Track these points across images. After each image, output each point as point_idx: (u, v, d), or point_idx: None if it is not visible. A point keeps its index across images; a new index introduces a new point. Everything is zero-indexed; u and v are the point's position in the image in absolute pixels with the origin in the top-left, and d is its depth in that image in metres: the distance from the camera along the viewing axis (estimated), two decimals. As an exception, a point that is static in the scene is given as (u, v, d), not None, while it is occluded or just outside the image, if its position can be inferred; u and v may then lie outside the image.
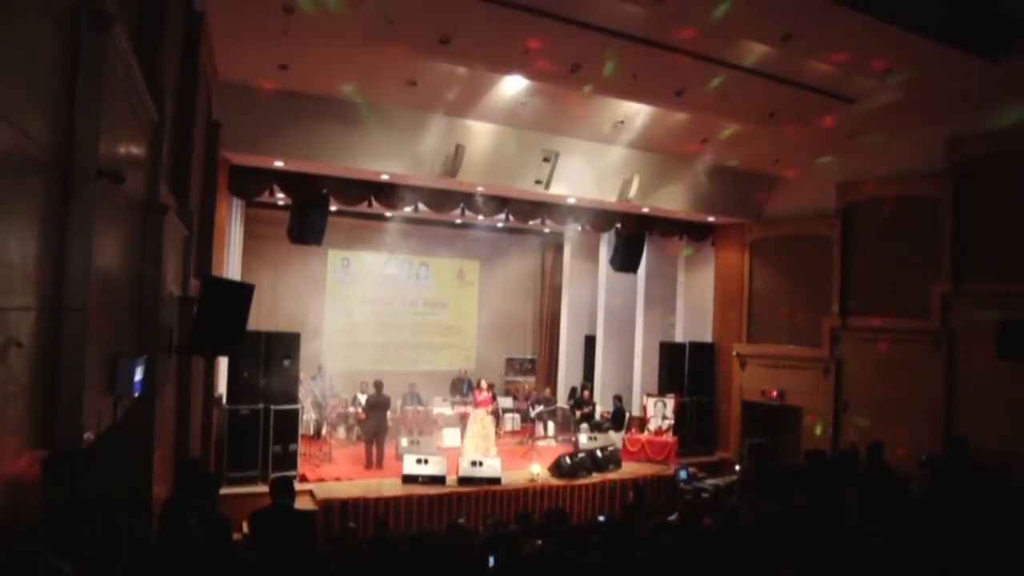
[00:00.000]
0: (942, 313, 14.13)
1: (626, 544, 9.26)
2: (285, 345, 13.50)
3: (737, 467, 16.15)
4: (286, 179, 13.84)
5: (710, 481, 15.82)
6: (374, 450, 14.99)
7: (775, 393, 17.17)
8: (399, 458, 14.40)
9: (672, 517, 11.10)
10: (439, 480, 13.45)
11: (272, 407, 13.15)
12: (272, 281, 15.99)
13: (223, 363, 12.89)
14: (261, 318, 13.18)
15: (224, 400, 13.01)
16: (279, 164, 13.21)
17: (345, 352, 19.15)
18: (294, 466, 13.16)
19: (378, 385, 15.51)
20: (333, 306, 19.45)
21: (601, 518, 12.53)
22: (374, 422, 15.12)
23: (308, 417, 15.75)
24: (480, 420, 15.92)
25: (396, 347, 20.16)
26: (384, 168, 13.52)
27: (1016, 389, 12.81)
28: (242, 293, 8.49)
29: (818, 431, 16.09)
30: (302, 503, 10.92)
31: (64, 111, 3.35)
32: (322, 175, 13.97)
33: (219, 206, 11.55)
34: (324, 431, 16.32)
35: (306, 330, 14.72)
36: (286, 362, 13.41)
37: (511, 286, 22.02)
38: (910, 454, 13.18)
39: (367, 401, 15.74)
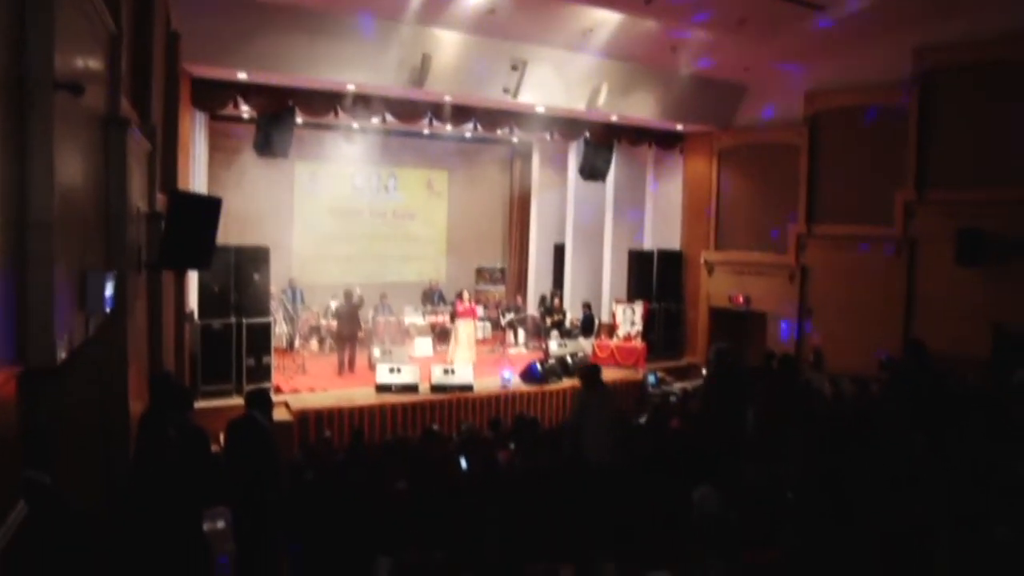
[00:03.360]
0: (905, 221, 14.35)
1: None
2: (254, 259, 13.46)
3: (704, 371, 16.51)
4: (250, 91, 13.60)
5: (678, 385, 16.20)
6: (346, 356, 15.37)
7: (741, 299, 17.44)
8: (372, 368, 14.58)
9: (641, 420, 11.40)
10: (412, 389, 13.65)
11: (244, 321, 13.19)
12: (239, 195, 15.81)
13: (193, 278, 12.86)
14: (229, 233, 13.11)
15: (195, 315, 13.02)
16: (242, 76, 12.95)
17: (315, 265, 19.12)
18: (268, 378, 13.30)
19: (347, 294, 15.77)
20: (302, 219, 19.33)
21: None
22: (346, 329, 15.50)
23: (280, 330, 15.85)
24: (466, 330, 16.08)
25: (366, 259, 20.14)
26: (350, 78, 13.32)
27: (972, 295, 13.16)
28: (209, 207, 8.46)
29: (782, 335, 16.44)
30: (278, 415, 11.07)
31: (15, 23, 3.30)
32: (287, 87, 13.73)
33: (182, 120, 11.37)
34: (296, 343, 16.44)
35: (275, 244, 14.64)
36: (256, 276, 13.40)
37: (480, 196, 21.97)
38: (870, 357, 13.54)
39: (336, 309, 15.90)
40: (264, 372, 13.34)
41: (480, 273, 21.36)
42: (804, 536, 4.04)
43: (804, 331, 16.17)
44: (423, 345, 16.89)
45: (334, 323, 16.43)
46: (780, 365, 10.56)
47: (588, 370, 9.02)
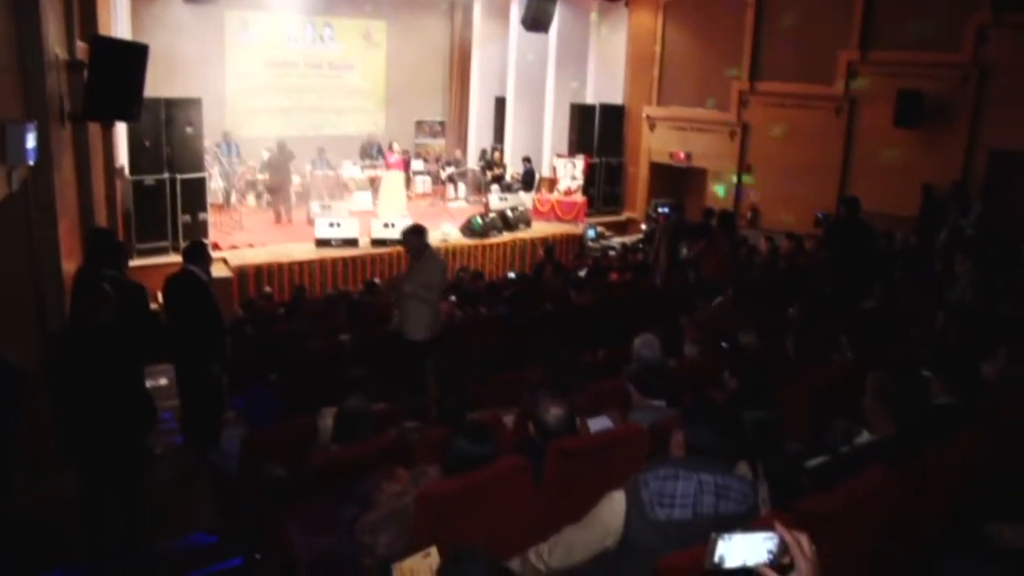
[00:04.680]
0: (847, 80, 14.37)
1: (537, 296, 9.69)
2: (186, 112, 12.99)
3: (643, 226, 16.72)
4: (172, -72, 12.81)
5: (617, 239, 16.41)
6: (281, 206, 15.47)
7: (682, 155, 17.48)
8: (311, 223, 14.45)
9: (581, 273, 11.57)
10: (352, 243, 13.62)
11: (177, 176, 12.85)
12: (167, 44, 15.05)
13: (122, 132, 12.43)
14: (158, 84, 12.53)
15: (126, 171, 12.65)
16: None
17: (250, 118, 18.54)
18: (205, 235, 13.08)
19: (281, 144, 15.67)
20: (234, 71, 18.57)
21: (512, 275, 12.98)
22: (277, 180, 15.55)
23: (216, 186, 15.50)
24: (393, 183, 15.92)
25: (302, 112, 19.58)
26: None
27: (907, 155, 13.43)
28: (134, 54, 8.08)
29: (721, 192, 16.62)
30: (216, 271, 10.97)
31: None
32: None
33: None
34: (233, 199, 16.14)
35: (207, 96, 14.09)
36: (188, 129, 12.98)
37: (419, 47, 21.28)
38: (806, 215, 13.84)
39: (268, 160, 15.70)
40: (201, 229, 13.12)
41: (420, 126, 20.95)
42: (741, 380, 4.20)
43: (742, 188, 16.35)
44: (362, 199, 16.70)
45: (266, 176, 16.15)
46: (719, 221, 10.73)
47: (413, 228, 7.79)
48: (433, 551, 2.55)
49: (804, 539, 1.73)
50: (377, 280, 12.17)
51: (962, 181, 12.90)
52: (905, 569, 3.20)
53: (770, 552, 1.72)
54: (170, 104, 12.86)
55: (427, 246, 7.70)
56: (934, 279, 9.20)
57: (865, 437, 3.48)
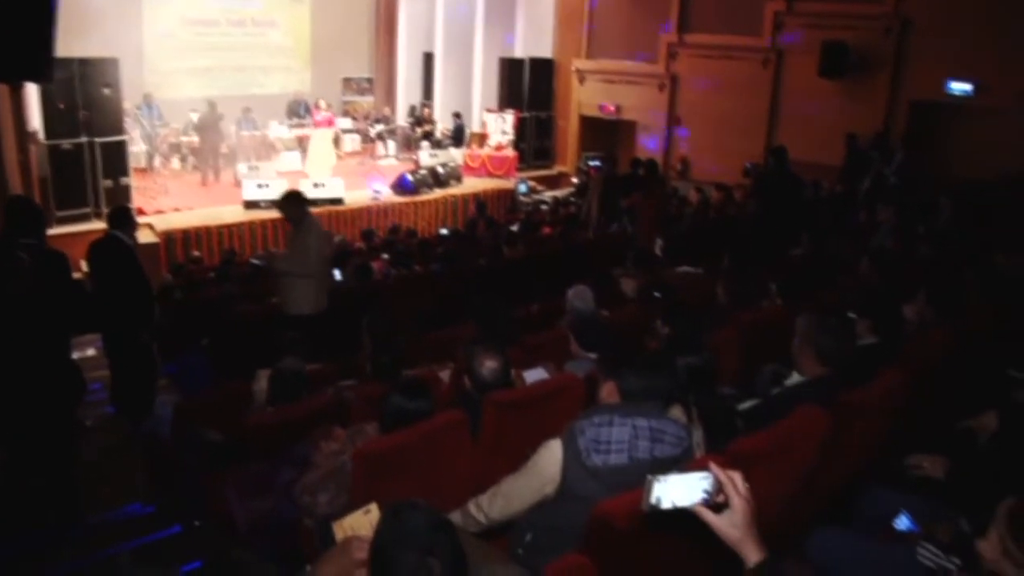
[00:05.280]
0: (773, 31, 14.49)
1: (470, 252, 9.67)
2: (103, 72, 12.51)
3: (574, 180, 16.76)
4: None
5: (548, 193, 16.44)
6: (210, 169, 15.22)
7: (612, 108, 17.52)
8: (238, 185, 14.15)
9: (513, 227, 11.57)
10: (309, 200, 13.35)
11: (96, 140, 12.41)
12: (79, 1, 14.48)
13: (33, 94, 11.95)
14: (71, 43, 12.02)
15: (41, 135, 12.18)
16: None
17: (171, 79, 17.96)
18: (128, 200, 12.68)
19: (211, 103, 15.34)
20: (152, 29, 17.89)
21: (444, 231, 12.93)
22: (209, 141, 15.22)
23: (138, 149, 15.04)
24: (321, 141, 15.65)
25: (225, 71, 19.02)
26: None
27: (832, 106, 13.66)
28: (40, 7, 7.61)
29: (650, 144, 16.72)
30: (142, 237, 10.71)
31: None
32: None
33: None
34: (156, 162, 15.69)
35: (125, 56, 13.60)
36: (106, 91, 12.51)
37: (345, 3, 20.80)
38: (737, 164, 14.01)
39: (199, 120, 15.29)
40: (123, 194, 12.70)
41: (347, 83, 20.58)
42: (673, 328, 4.26)
43: (672, 140, 16.47)
44: (290, 159, 16.37)
45: (195, 139, 15.73)
46: (646, 171, 10.81)
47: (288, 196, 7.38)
48: (373, 507, 2.55)
49: (737, 477, 1.77)
50: (338, 237, 12.01)
51: (884, 131, 13.19)
52: (833, 500, 3.32)
53: (705, 491, 1.75)
54: (85, 64, 12.38)
55: (306, 214, 7.04)
56: (858, 226, 9.42)
57: (795, 378, 3.57)
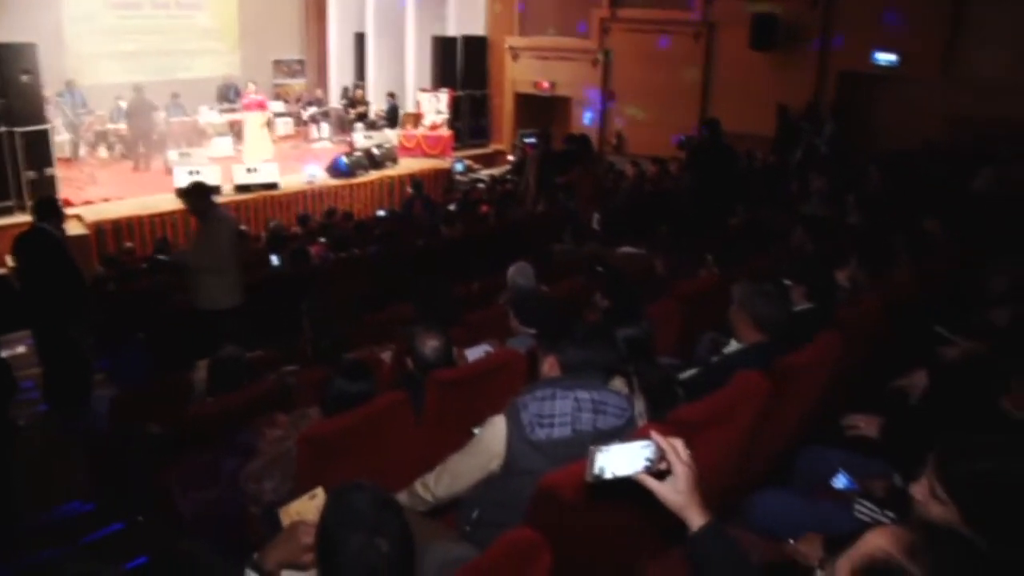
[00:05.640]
0: (704, 5, 14.61)
1: (407, 233, 9.64)
2: (20, 58, 12.06)
3: (511, 157, 16.75)
4: None
5: (485, 172, 16.40)
6: (141, 155, 14.93)
7: (546, 85, 17.53)
8: (169, 172, 13.84)
9: (451, 207, 11.54)
10: (214, 190, 13.10)
11: (16, 129, 11.99)
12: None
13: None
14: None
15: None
16: None
17: (93, 65, 17.43)
18: (54, 191, 12.32)
19: (138, 87, 15.03)
20: (71, 13, 17.29)
21: (381, 213, 12.84)
22: (141, 127, 14.93)
23: (62, 138, 14.62)
24: (255, 124, 15.37)
25: (150, 56, 18.49)
26: None
27: (763, 78, 13.84)
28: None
29: (586, 120, 16.77)
30: (71, 229, 10.43)
31: None
32: None
33: None
34: (82, 152, 15.27)
35: (43, 40, 13.14)
36: (24, 78, 12.07)
37: (271, -18, 20.43)
38: (670, 139, 14.15)
39: (128, 107, 14.92)
40: (48, 185, 12.31)
41: (278, 66, 20.24)
42: (612, 300, 4.29)
43: (607, 115, 16.54)
44: (222, 144, 16.06)
45: (123, 126, 15.34)
46: (579, 146, 10.84)
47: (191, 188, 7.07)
48: (319, 492, 2.54)
49: (679, 444, 1.80)
50: (243, 227, 11.82)
51: (815, 101, 13.42)
52: (774, 463, 3.39)
53: (647, 460, 1.77)
54: (1, 50, 11.96)
55: (212, 205, 6.82)
56: (791, 195, 9.59)
57: (733, 346, 3.63)
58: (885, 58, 12.73)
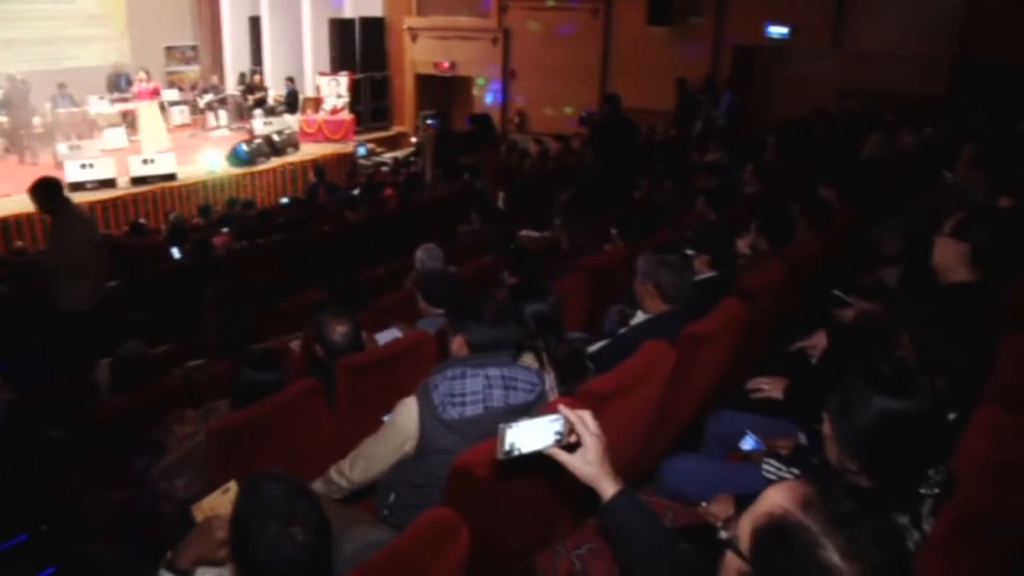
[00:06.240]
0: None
1: (312, 219, 9.52)
2: None
3: (414, 139, 16.65)
4: None
5: (388, 155, 16.30)
6: (25, 148, 14.38)
7: (447, 65, 17.44)
8: (59, 166, 13.30)
9: (355, 192, 11.43)
10: (109, 183, 12.71)
11: None
12: None
13: None
14: None
15: None
16: None
17: (-31, 55, 16.64)
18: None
19: (10, 78, 14.56)
20: (-60, 0, 16.49)
21: (284, 200, 12.64)
22: (19, 117, 14.44)
23: (-63, 134, 13.94)
24: (150, 114, 14.88)
25: (32, 44, 17.66)
26: None
27: (661, 53, 14.06)
28: None
29: (487, 99, 16.76)
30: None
31: None
32: None
33: None
34: (-39, 147, 14.59)
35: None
36: None
37: (158, -35, 19.72)
38: (572, 113, 14.26)
39: (4, 97, 14.31)
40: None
41: (170, 52, 19.60)
42: (520, 277, 4.32)
43: (509, 93, 16.57)
44: (115, 136, 15.48)
45: (3, 118, 14.68)
46: (481, 125, 10.85)
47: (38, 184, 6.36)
48: (232, 485, 2.49)
49: (587, 416, 1.82)
50: (142, 220, 11.48)
51: (712, 75, 13.70)
52: (684, 428, 3.48)
53: (557, 433, 1.79)
54: None
55: (65, 202, 6.45)
56: (691, 167, 9.77)
57: (639, 317, 3.69)
58: (777, 31, 13.07)
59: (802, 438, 2.96)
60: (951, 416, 2.16)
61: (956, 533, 1.70)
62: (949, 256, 3.08)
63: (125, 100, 16.35)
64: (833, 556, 1.24)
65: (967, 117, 8.59)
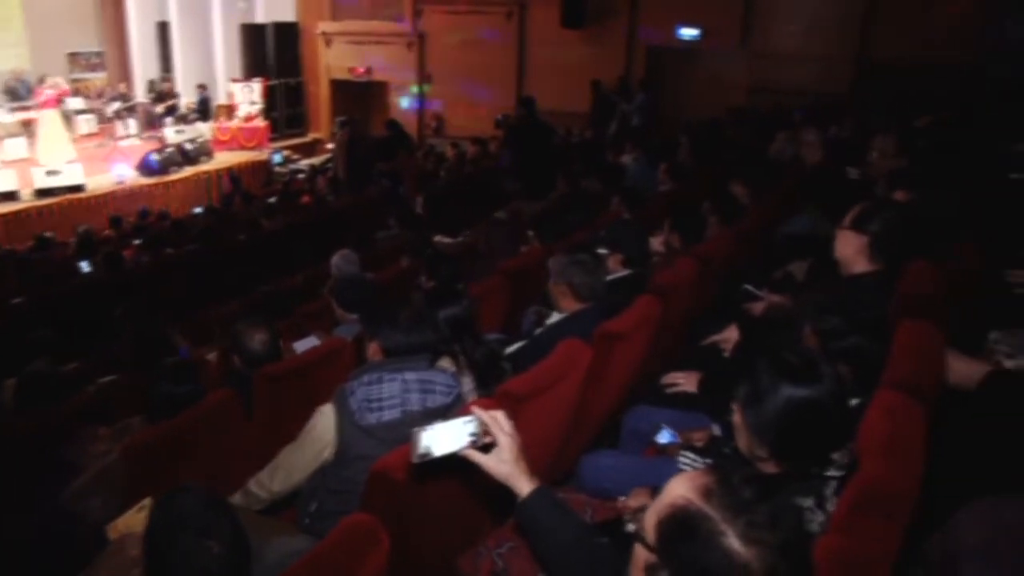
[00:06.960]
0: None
1: (227, 228, 9.37)
2: None
3: (329, 145, 16.50)
4: None
5: (305, 162, 16.14)
6: None
7: (362, 70, 17.33)
8: (-43, 180, 12.82)
9: (271, 199, 11.28)
10: (11, 196, 12.29)
11: None
12: None
13: None
14: None
15: None
16: None
17: None
18: None
19: None
20: None
21: (198, 210, 12.41)
22: None
23: None
24: (51, 123, 14.39)
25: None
26: None
27: (576, 54, 14.23)
28: None
29: (404, 104, 16.71)
30: None
31: None
32: None
33: None
34: None
35: None
36: None
37: (58, -32, 19.04)
38: (489, 117, 14.30)
39: None
40: None
41: (74, 59, 18.95)
42: (435, 280, 4.33)
43: (424, 98, 16.55)
44: (15, 146, 14.89)
45: None
46: (393, 131, 10.85)
47: None
48: (147, 503, 2.46)
49: (500, 416, 1.85)
50: (49, 234, 11.12)
51: (626, 76, 13.90)
52: (602, 425, 3.53)
53: (472, 435, 1.81)
54: None
55: None
56: (607, 167, 9.88)
57: (555, 317, 3.74)
58: (688, 33, 13.35)
59: (716, 429, 3.03)
60: (854, 402, 2.25)
61: (855, 511, 1.78)
62: (850, 248, 3.20)
63: (26, 108, 15.78)
64: (734, 542, 1.29)
65: (869, 115, 8.89)
